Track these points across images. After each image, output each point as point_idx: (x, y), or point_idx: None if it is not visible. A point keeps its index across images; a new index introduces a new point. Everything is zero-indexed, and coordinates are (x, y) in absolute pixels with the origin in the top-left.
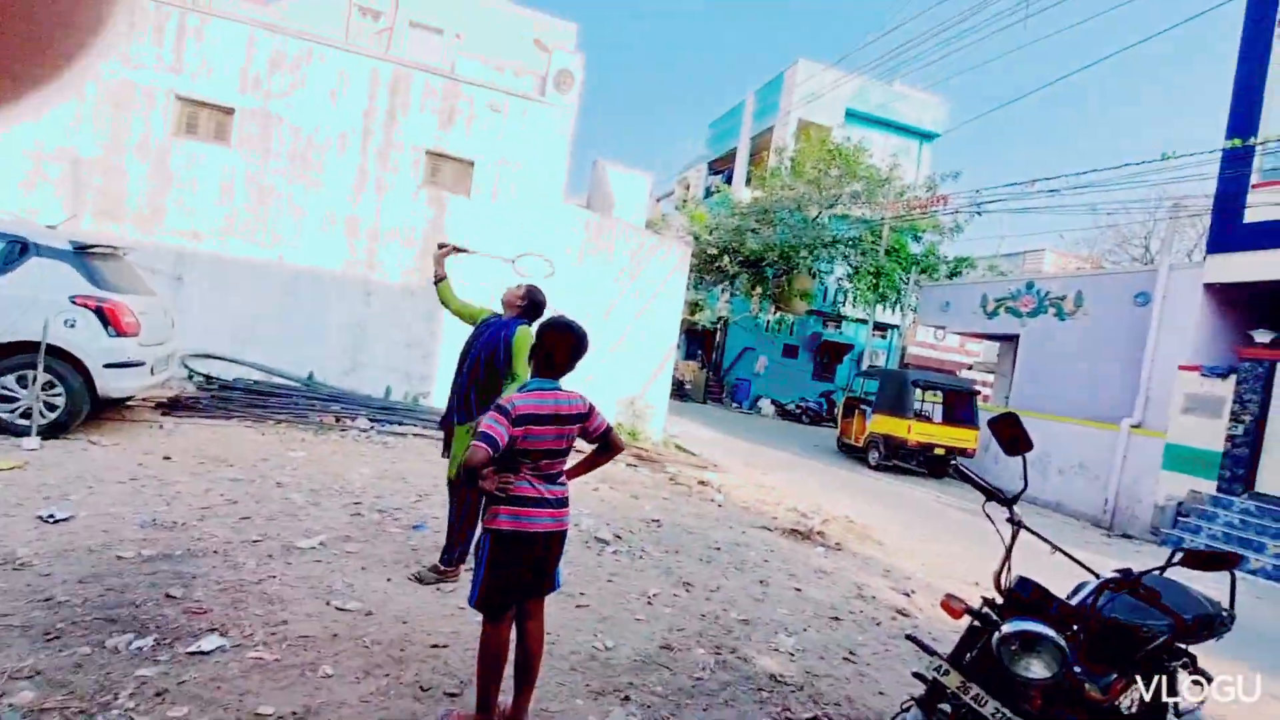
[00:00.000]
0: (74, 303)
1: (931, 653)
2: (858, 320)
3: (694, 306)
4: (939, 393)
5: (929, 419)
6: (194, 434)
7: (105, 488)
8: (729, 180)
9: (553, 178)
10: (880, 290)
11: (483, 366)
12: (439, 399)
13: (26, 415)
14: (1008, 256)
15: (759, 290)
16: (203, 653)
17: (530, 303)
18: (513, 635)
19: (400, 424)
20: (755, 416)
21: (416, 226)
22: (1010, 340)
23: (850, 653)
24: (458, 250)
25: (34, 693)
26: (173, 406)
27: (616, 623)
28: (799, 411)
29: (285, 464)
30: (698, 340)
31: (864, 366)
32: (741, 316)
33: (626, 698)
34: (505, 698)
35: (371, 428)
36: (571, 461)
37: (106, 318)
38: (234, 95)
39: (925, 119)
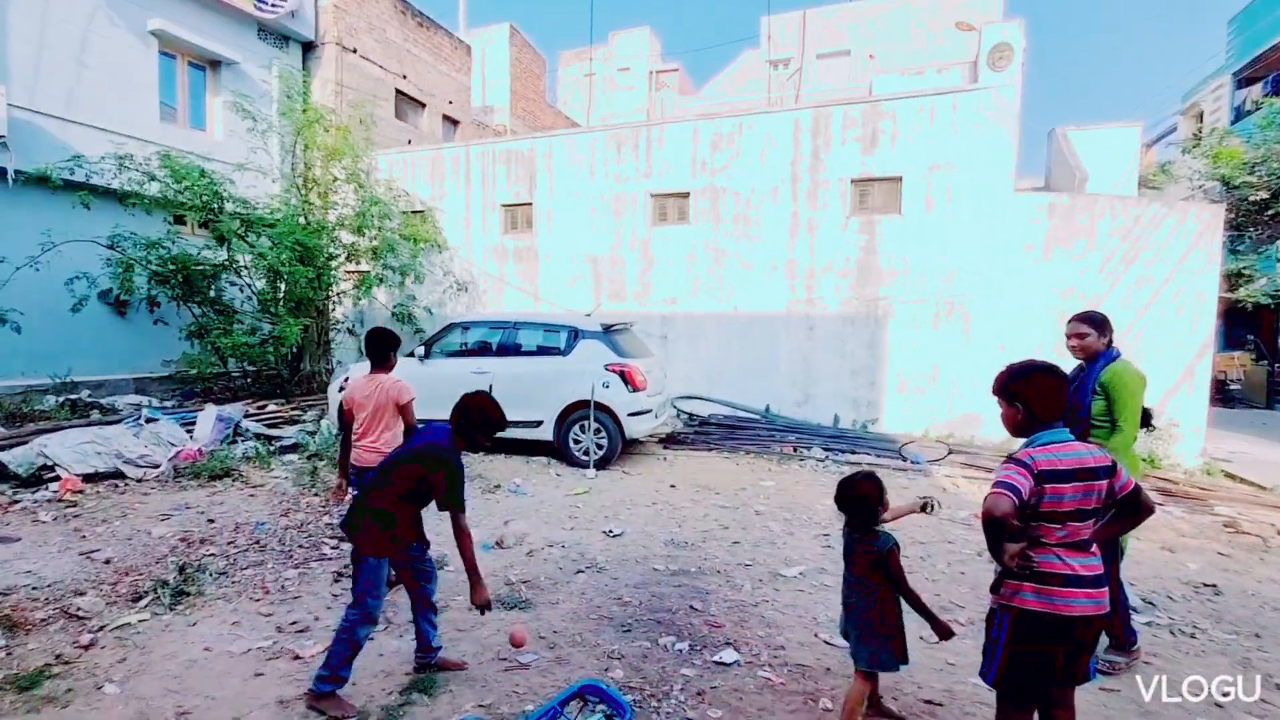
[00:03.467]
0: (607, 369)
1: None
2: None
3: (1234, 278)
4: None
5: None
6: (686, 464)
7: (638, 510)
8: (1276, 89)
9: (998, 168)
10: None
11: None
12: (889, 424)
13: (587, 453)
14: None
15: None
16: (723, 664)
17: (1111, 331)
18: None
19: (853, 451)
20: None
21: (850, 256)
22: None
23: None
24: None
25: (622, 672)
26: (669, 441)
27: (1141, 708)
28: None
29: (759, 492)
30: (1245, 323)
31: None
32: None
33: None
34: None
35: (826, 457)
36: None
37: (627, 378)
38: (688, 180)
39: None
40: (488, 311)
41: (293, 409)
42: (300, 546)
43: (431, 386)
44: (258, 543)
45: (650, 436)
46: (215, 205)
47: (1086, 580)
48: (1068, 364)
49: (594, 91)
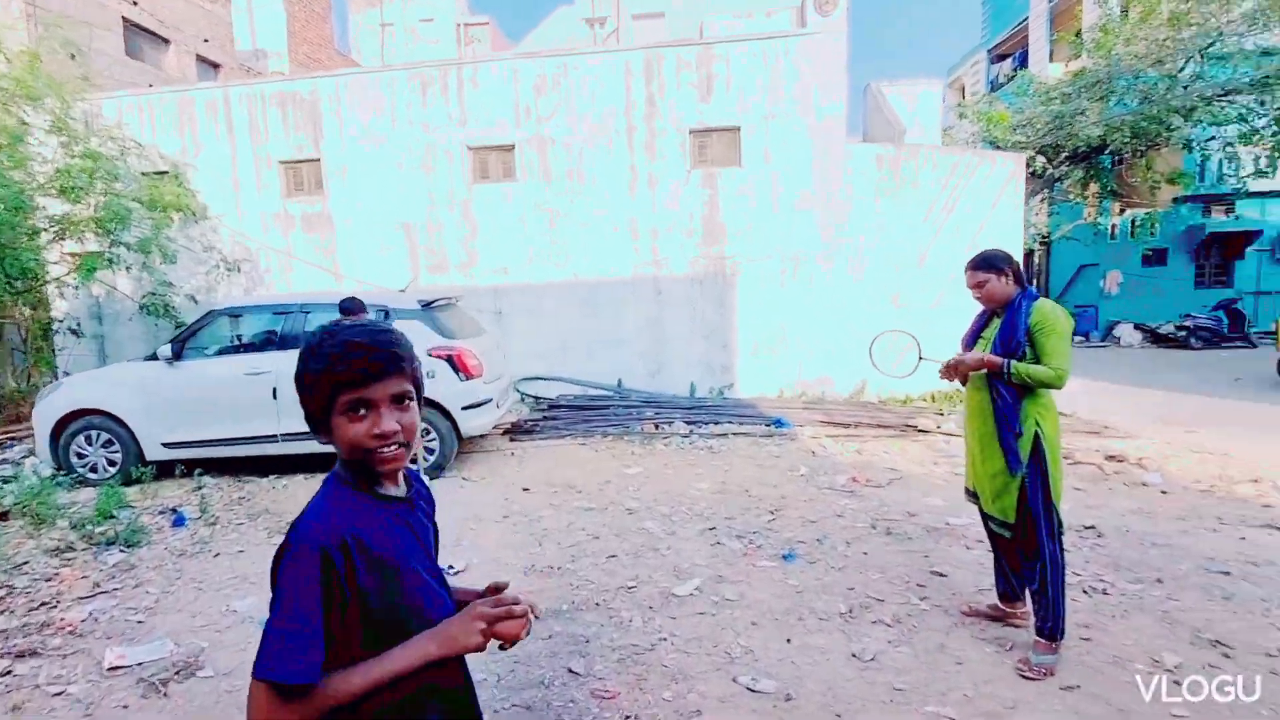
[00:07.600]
0: (430, 355)
1: None
2: (1264, 195)
3: None
4: None
5: None
6: (538, 458)
7: (486, 528)
8: (1023, 63)
9: (830, 118)
10: None
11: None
12: (744, 388)
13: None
14: None
15: (1095, 189)
16: None
17: (1014, 268)
18: None
19: (716, 422)
20: (1112, 348)
21: (694, 212)
22: None
23: None
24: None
25: None
26: (514, 431)
27: (1118, 709)
28: (1185, 333)
29: (627, 484)
30: None
31: None
32: (1072, 226)
33: None
34: None
35: (690, 431)
36: None
37: (457, 364)
38: (511, 131)
39: None
40: (267, 295)
41: None
42: None
43: (188, 397)
44: None
45: (494, 428)
46: None
47: None
48: (927, 317)
49: (393, 42)
